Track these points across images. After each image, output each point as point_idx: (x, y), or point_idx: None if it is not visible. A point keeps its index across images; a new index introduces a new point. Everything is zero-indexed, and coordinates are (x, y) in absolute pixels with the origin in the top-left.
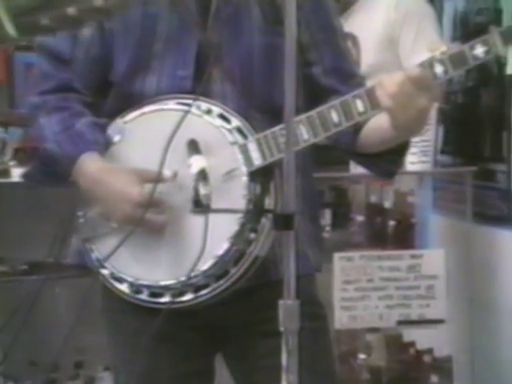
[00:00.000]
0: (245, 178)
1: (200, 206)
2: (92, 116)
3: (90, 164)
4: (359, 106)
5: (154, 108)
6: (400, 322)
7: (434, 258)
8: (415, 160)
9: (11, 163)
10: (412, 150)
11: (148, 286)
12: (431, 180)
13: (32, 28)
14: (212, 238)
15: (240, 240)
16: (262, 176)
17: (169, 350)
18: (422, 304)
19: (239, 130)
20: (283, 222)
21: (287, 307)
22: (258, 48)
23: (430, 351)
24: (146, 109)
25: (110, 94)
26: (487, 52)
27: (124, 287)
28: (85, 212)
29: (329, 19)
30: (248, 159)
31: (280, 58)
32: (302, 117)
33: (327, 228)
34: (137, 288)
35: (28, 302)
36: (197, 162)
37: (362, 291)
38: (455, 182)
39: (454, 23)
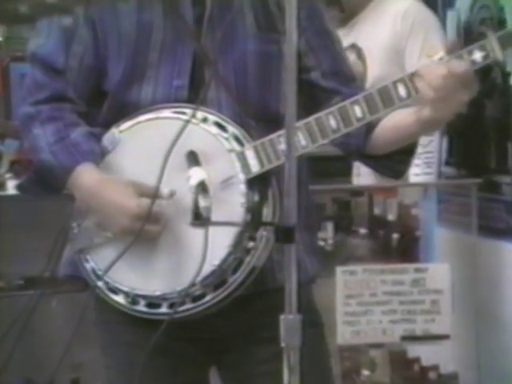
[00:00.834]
0: (242, 186)
1: (199, 218)
2: (87, 126)
3: (86, 175)
4: (357, 111)
5: (150, 117)
6: (404, 338)
7: (438, 272)
8: (419, 172)
9: (7, 175)
10: (416, 161)
11: (145, 297)
12: (435, 192)
13: (11, 16)
14: (210, 247)
15: (238, 249)
16: (259, 184)
17: (163, 363)
18: (427, 319)
19: (236, 138)
20: (284, 234)
21: (288, 322)
22: (252, 55)
23: (435, 368)
24: (142, 118)
25: (104, 104)
26: (485, 57)
27: (120, 298)
28: (79, 222)
29: (323, 24)
30: (245, 166)
31: (275, 65)
32: (300, 123)
33: (329, 241)
34: (133, 299)
35: (23, 318)
36: (196, 174)
37: (365, 306)
38: (460, 194)
39: (458, 33)
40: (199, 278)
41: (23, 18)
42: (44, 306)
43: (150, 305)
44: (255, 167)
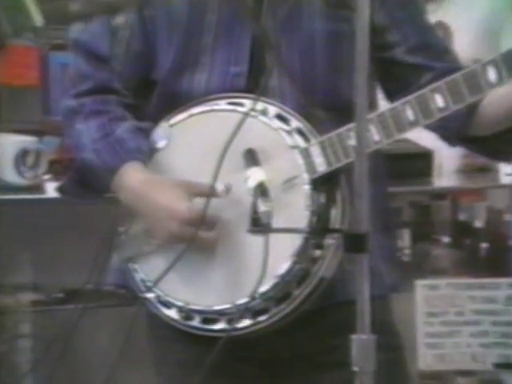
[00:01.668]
0: (307, 187)
1: (259, 224)
2: (134, 120)
3: (132, 176)
4: (439, 101)
5: (204, 109)
6: (498, 365)
7: None
8: None
9: (46, 177)
10: None
11: (200, 312)
12: None
13: (61, 15)
14: (272, 256)
15: (304, 258)
16: (326, 184)
17: None
18: None
19: (300, 132)
20: (355, 242)
21: (361, 343)
22: (320, 36)
23: None
24: (195, 110)
25: (153, 95)
26: None
27: (172, 313)
28: (127, 228)
29: None
30: (310, 165)
31: (346, 47)
32: (373, 115)
33: (406, 251)
34: (187, 313)
35: (65, 335)
36: (255, 175)
37: (451, 326)
38: None
39: None
40: (260, 291)
41: (73, 18)
42: (87, 322)
43: (205, 320)
44: (321, 166)
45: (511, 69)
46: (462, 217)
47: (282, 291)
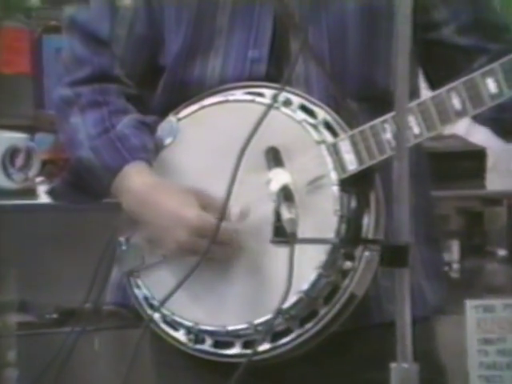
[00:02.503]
0: (335, 188)
1: (282, 233)
2: (137, 113)
3: (136, 178)
4: (491, 86)
5: (218, 100)
6: None
7: None
8: None
9: (38, 180)
10: None
11: (212, 333)
12: None
13: None
14: (295, 268)
15: (332, 270)
16: (358, 185)
17: None
18: None
19: (327, 125)
20: (392, 255)
21: (402, 373)
22: (352, 15)
23: None
24: (207, 101)
25: (159, 84)
26: None
27: (180, 335)
28: (128, 237)
29: None
30: (340, 163)
31: (383, 28)
32: (412, 104)
33: (454, 265)
34: (197, 335)
35: (59, 361)
36: (278, 177)
37: (510, 355)
38: None
39: None
40: (282, 309)
41: None
42: (85, 347)
43: (218, 343)
44: (352, 164)
45: None
46: None
47: (307, 309)
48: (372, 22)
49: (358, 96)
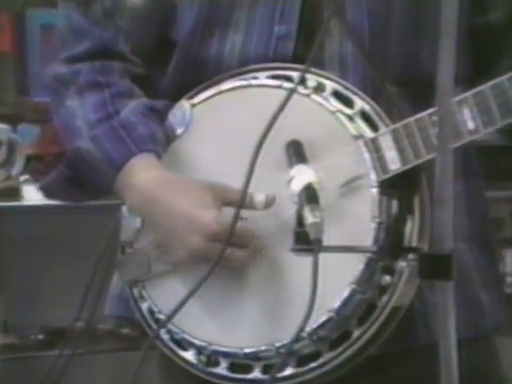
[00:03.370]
0: (374, 191)
1: (305, 240)
2: (145, 97)
3: (143, 173)
4: None
5: (238, 84)
6: None
7: None
8: None
9: (22, 178)
10: None
11: (227, 355)
12: None
13: None
14: (324, 283)
15: (368, 286)
16: (401, 188)
17: None
18: None
19: (365, 116)
20: (434, 266)
21: None
22: None
23: None
24: (225, 85)
25: (171, 63)
26: None
27: (190, 355)
28: (132, 240)
29: None
30: (380, 162)
31: (431, 3)
32: (468, 94)
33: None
34: (210, 357)
35: None
36: (301, 175)
37: None
38: None
39: None
40: (308, 330)
41: None
42: (77, 372)
43: (234, 367)
44: (394, 163)
45: None
46: None
47: (339, 330)
48: None
49: (400, 81)
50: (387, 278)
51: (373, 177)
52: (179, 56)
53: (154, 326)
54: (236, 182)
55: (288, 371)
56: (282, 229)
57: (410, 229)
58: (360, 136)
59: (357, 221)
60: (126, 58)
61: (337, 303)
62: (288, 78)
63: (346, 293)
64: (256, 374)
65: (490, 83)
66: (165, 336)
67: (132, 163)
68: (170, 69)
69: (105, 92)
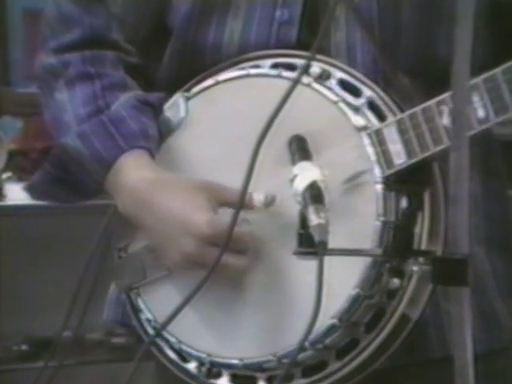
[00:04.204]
0: (379, 187)
1: (309, 243)
2: (139, 89)
3: (134, 172)
4: None
5: (237, 74)
6: None
7: None
8: None
9: (5, 175)
10: None
11: (228, 366)
12: None
13: None
14: (328, 287)
15: (375, 290)
16: (409, 183)
17: None
18: None
19: (373, 106)
20: (448, 271)
21: None
22: None
23: None
24: (224, 75)
25: (166, 52)
26: None
27: (191, 367)
28: (125, 245)
29: None
30: (385, 155)
31: None
32: (478, 80)
33: None
34: (211, 369)
35: None
36: (305, 173)
37: None
38: None
39: None
40: (312, 338)
41: None
42: None
43: (236, 379)
44: (399, 157)
45: None
46: None
47: (345, 338)
48: None
49: (412, 71)
50: (396, 281)
51: (377, 172)
52: (175, 44)
53: (150, 332)
54: (235, 181)
55: (292, 382)
56: (284, 231)
57: (419, 229)
58: (363, 128)
59: (361, 220)
60: (120, 47)
61: (340, 308)
62: (291, 67)
63: (349, 297)
64: None
65: (502, 67)
66: (165, 346)
67: (122, 161)
68: (165, 58)
69: (95, 84)
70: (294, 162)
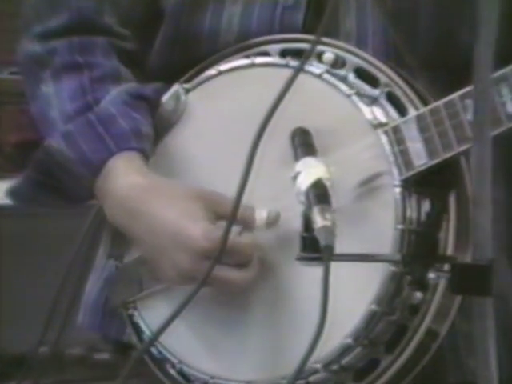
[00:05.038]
0: (397, 191)
1: (314, 248)
2: (133, 79)
3: (122, 177)
4: None
5: (239, 63)
6: None
7: None
8: None
9: None
10: None
11: None
12: None
13: None
14: (339, 303)
15: (394, 305)
16: (431, 185)
17: None
18: None
19: (392, 98)
20: (469, 279)
21: None
22: None
23: None
24: (226, 65)
25: (161, 37)
26: None
27: None
28: (119, 254)
29: None
30: (403, 155)
31: None
32: (507, 70)
33: None
34: None
35: None
36: (309, 170)
37: None
38: None
39: None
40: (323, 359)
41: None
42: None
43: None
44: (420, 157)
45: None
46: None
47: (364, 359)
48: None
49: (430, 62)
50: (418, 295)
51: (395, 174)
52: (166, 29)
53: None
54: (236, 186)
55: None
56: (286, 234)
57: (444, 236)
58: (379, 124)
59: (377, 227)
60: (112, 32)
61: (355, 326)
62: (298, 53)
63: (365, 314)
64: None
65: None
66: (169, 367)
67: (110, 165)
68: (156, 44)
69: (84, 76)
70: (296, 158)
